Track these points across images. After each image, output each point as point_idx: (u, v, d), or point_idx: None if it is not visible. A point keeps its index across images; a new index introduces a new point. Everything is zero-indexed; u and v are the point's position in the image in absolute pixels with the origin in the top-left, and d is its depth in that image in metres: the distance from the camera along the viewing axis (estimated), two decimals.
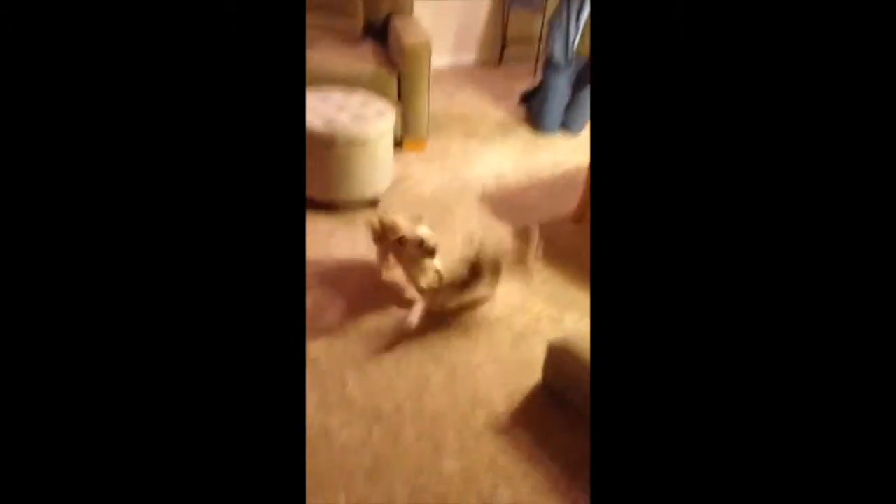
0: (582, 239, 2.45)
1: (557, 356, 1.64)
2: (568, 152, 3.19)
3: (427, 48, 2.78)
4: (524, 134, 3.37)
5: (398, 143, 3.05)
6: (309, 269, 2.16)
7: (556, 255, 2.34)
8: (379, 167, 2.46)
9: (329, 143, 2.28)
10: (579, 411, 1.60)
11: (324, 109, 2.41)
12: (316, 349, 1.81)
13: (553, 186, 2.85)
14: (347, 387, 1.68)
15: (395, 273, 2.08)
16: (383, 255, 2.09)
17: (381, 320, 1.94)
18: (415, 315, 1.83)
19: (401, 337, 1.85)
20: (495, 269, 1.91)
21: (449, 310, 1.93)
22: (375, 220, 2.05)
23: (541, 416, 1.62)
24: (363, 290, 2.07)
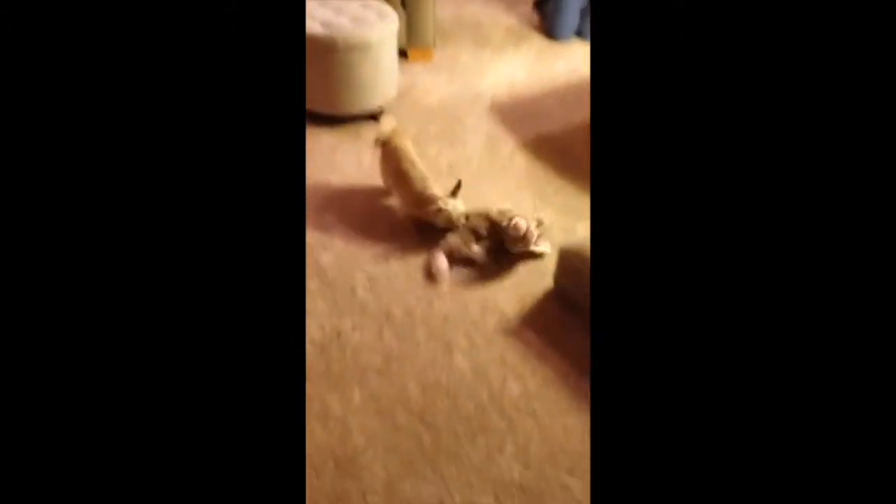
0: None
1: (569, 261, 1.61)
2: (583, 60, 3.01)
3: None
4: (537, 41, 3.16)
5: (403, 54, 2.89)
6: (314, 187, 2.12)
7: (568, 164, 2.25)
8: (383, 75, 2.34)
9: (328, 47, 2.16)
10: (590, 313, 1.59)
11: (321, 13, 2.26)
12: (325, 261, 1.81)
13: (567, 95, 2.71)
14: (358, 294, 1.69)
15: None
16: (388, 174, 1.96)
17: (390, 234, 1.92)
18: (441, 266, 1.74)
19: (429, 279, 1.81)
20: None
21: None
22: (383, 134, 1.95)
23: (551, 319, 1.62)
24: (370, 205, 2.04)
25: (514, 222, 1.74)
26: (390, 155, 1.92)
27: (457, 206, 1.81)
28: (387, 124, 1.98)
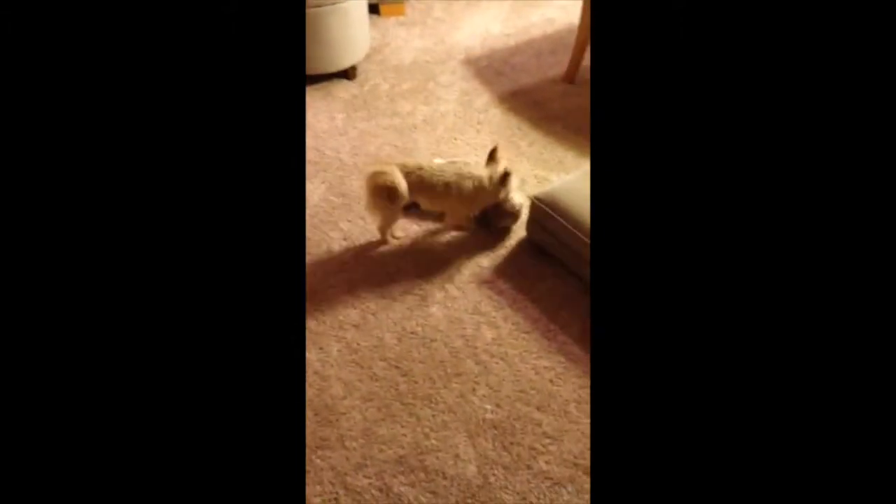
0: (571, 100, 2.33)
1: (541, 209, 1.62)
2: (560, 10, 2.93)
3: None
4: None
5: (374, 11, 2.81)
6: None
7: (543, 116, 2.24)
8: (353, 32, 2.28)
9: None
10: (561, 261, 1.62)
11: None
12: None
13: (542, 47, 2.65)
14: (333, 251, 1.71)
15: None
16: (393, 217, 1.68)
17: (363, 192, 1.92)
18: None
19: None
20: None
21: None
22: (381, 181, 1.58)
23: (524, 267, 1.65)
24: (343, 164, 2.03)
25: (510, 202, 1.72)
26: (418, 190, 1.63)
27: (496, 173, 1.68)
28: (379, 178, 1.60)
